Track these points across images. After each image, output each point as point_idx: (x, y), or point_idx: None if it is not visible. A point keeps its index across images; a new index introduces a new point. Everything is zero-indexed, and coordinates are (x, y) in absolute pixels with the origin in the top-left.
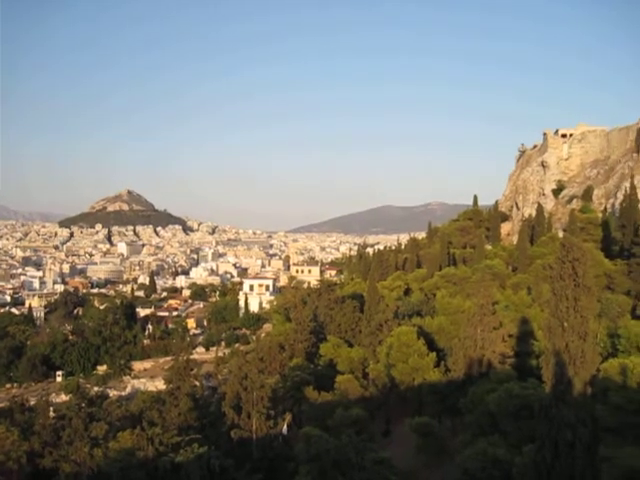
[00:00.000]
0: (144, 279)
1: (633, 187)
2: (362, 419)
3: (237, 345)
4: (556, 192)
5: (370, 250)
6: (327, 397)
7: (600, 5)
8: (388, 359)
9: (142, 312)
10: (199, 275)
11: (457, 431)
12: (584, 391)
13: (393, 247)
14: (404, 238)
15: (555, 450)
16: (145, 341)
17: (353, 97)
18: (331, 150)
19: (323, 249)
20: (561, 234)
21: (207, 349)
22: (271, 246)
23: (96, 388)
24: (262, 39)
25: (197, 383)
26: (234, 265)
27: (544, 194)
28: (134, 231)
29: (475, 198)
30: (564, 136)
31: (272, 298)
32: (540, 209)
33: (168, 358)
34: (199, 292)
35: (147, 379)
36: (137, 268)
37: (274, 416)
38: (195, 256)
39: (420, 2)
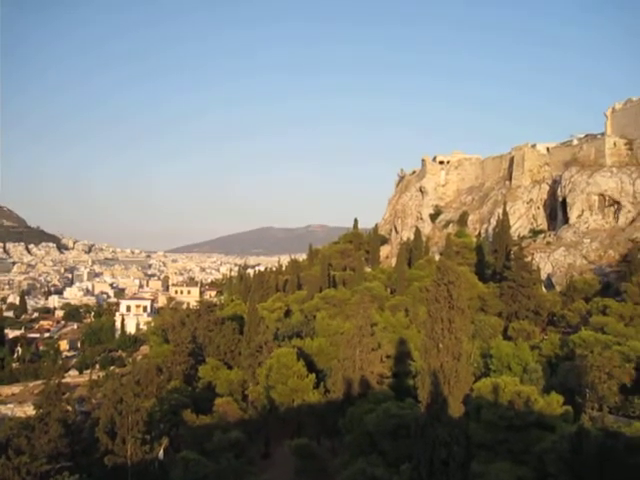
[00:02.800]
0: (14, 299)
1: (505, 213)
2: (241, 442)
3: (112, 368)
4: (433, 217)
5: (251, 271)
6: (205, 420)
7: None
8: (268, 381)
9: (11, 333)
10: (73, 295)
11: (337, 452)
12: (458, 410)
13: (274, 268)
14: (285, 260)
15: (430, 468)
16: (14, 364)
17: (233, 118)
18: (212, 169)
19: (203, 270)
20: (437, 257)
21: (81, 372)
22: (150, 266)
23: None
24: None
25: (69, 408)
26: (111, 285)
27: (422, 218)
28: (4, 248)
29: (355, 221)
30: (441, 163)
31: (150, 319)
32: (418, 233)
33: (38, 382)
34: (73, 313)
35: (15, 404)
36: (6, 287)
37: (150, 441)
38: (70, 275)
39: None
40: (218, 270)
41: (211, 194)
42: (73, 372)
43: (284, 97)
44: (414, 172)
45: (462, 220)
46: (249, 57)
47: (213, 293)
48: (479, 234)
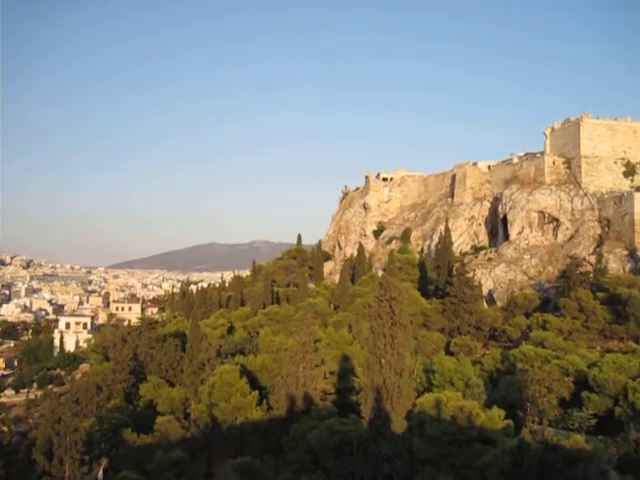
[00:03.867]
0: None
1: (447, 230)
2: (183, 461)
3: (50, 387)
4: (377, 233)
5: (194, 287)
6: (146, 439)
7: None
8: (210, 398)
9: None
10: (10, 312)
11: (280, 469)
12: (401, 425)
13: (217, 285)
14: (229, 276)
15: None
16: None
17: (181, 138)
18: (154, 184)
19: (145, 286)
20: (381, 273)
21: (17, 391)
22: (90, 282)
23: None
24: None
25: (5, 428)
26: (49, 301)
27: (365, 235)
28: None
29: (299, 237)
30: (385, 180)
31: (90, 336)
32: (361, 249)
33: None
34: (10, 330)
35: None
36: None
37: (89, 461)
38: (7, 291)
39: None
40: (160, 286)
41: (155, 209)
42: (9, 391)
43: (228, 115)
44: (358, 189)
45: (405, 236)
46: (193, 78)
47: (155, 310)
48: (422, 250)
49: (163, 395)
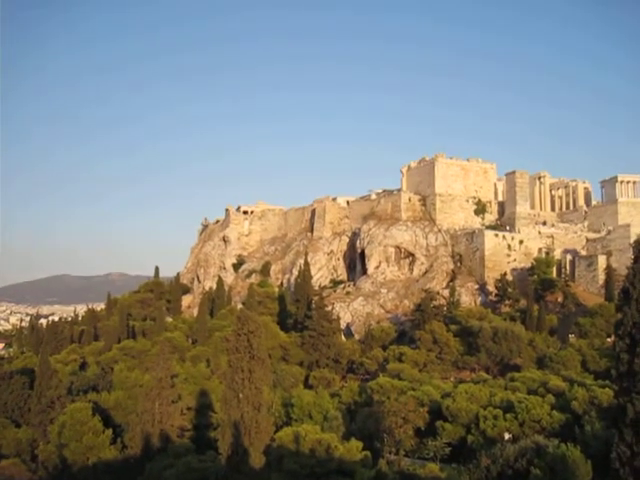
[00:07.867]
0: None
1: (307, 264)
2: None
3: None
4: (236, 266)
5: (44, 321)
6: None
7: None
8: (60, 438)
9: None
10: None
11: None
12: (259, 460)
13: (70, 319)
14: (82, 309)
15: None
16: None
17: (26, 165)
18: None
19: None
20: (240, 307)
21: None
22: None
23: None
24: None
25: None
26: None
27: (225, 268)
28: None
29: (157, 270)
30: (246, 213)
31: None
32: (220, 282)
33: None
34: None
35: None
36: None
37: None
38: None
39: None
40: (7, 320)
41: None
42: None
43: (86, 148)
44: (218, 221)
45: (265, 270)
46: None
47: (1, 345)
48: (281, 284)
49: (8, 436)
